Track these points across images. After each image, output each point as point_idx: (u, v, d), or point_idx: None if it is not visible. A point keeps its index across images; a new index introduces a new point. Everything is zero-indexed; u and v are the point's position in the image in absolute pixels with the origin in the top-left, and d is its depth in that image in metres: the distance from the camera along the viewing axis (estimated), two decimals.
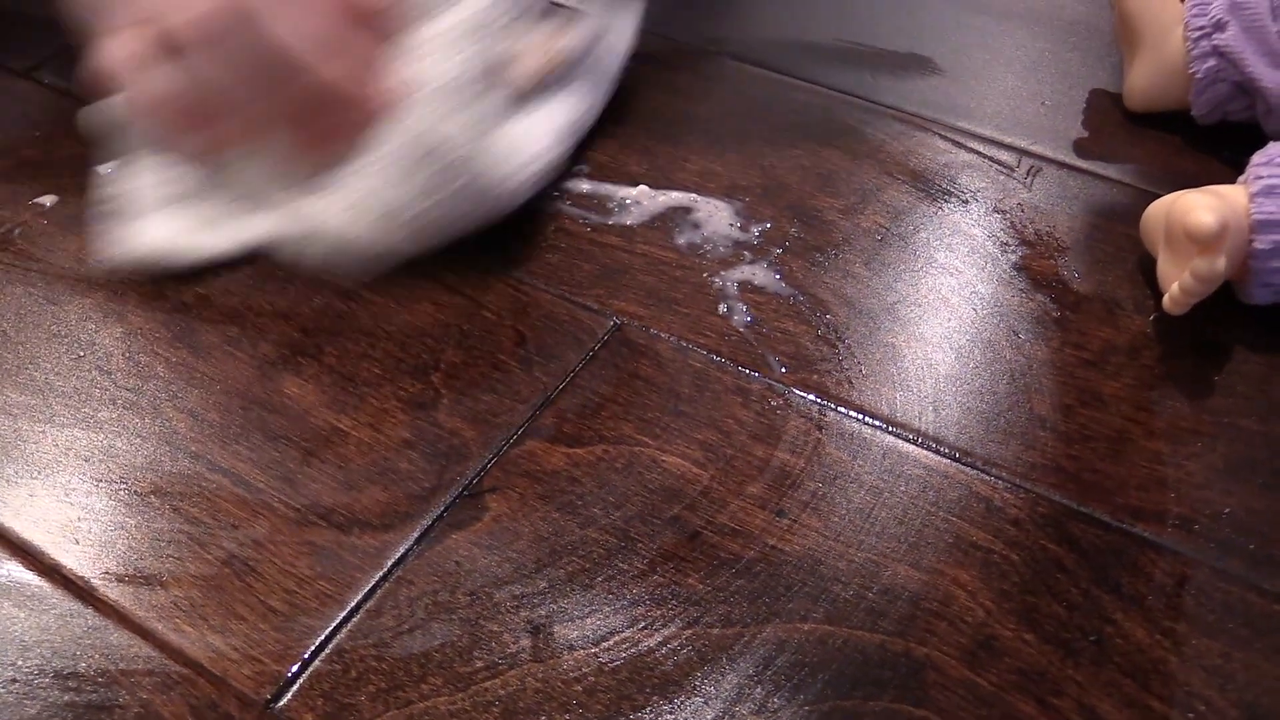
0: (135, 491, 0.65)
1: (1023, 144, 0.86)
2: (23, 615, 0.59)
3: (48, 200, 0.82)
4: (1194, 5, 0.83)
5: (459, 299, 0.75)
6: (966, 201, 0.81)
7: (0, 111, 0.91)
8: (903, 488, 0.64)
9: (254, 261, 0.77)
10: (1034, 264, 0.77)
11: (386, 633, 0.58)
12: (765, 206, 0.81)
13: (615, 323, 0.73)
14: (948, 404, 0.68)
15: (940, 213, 0.81)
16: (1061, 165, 0.85)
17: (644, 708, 0.55)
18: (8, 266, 0.78)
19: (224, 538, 0.62)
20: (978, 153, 0.86)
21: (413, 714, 0.55)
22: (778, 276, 0.76)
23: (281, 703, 0.56)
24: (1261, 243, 0.69)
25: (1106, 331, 0.73)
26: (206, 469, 0.66)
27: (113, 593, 0.60)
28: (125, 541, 0.62)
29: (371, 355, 0.71)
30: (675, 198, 0.82)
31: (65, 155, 0.86)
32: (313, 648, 0.58)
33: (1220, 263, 0.67)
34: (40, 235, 0.80)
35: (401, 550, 0.62)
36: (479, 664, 0.57)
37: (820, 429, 0.67)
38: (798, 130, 0.88)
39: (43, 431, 0.68)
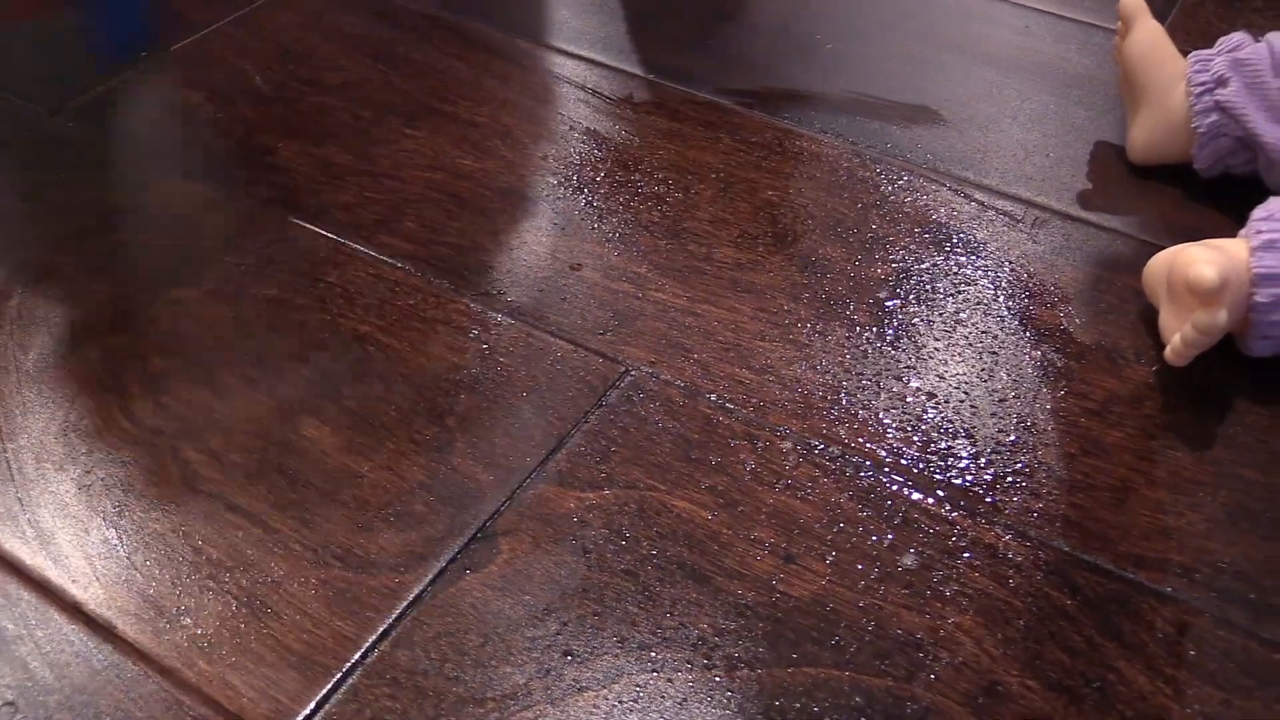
0: (155, 531, 0.66)
1: (1028, 195, 0.88)
2: (44, 652, 0.61)
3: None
4: (1196, 61, 0.85)
5: (473, 344, 0.76)
6: (973, 252, 0.83)
7: (27, 153, 0.93)
8: (909, 534, 0.65)
9: (273, 304, 0.79)
10: (1038, 314, 0.78)
11: (401, 673, 0.59)
12: (775, 254, 0.83)
13: (626, 369, 0.75)
14: (953, 451, 0.70)
15: (947, 263, 0.82)
16: (1066, 217, 0.86)
17: None
18: (32, 308, 0.79)
19: (242, 577, 0.64)
20: (984, 204, 0.87)
21: None
22: (788, 324, 0.78)
23: None
24: (1262, 296, 0.70)
25: (1109, 381, 0.74)
26: (225, 509, 0.67)
27: (132, 630, 0.61)
28: (144, 580, 0.64)
29: (388, 399, 0.73)
30: (689, 247, 0.84)
31: (89, 197, 0.88)
32: (328, 687, 0.59)
33: (1221, 316, 0.68)
34: (65, 276, 0.82)
35: (416, 591, 0.63)
36: (491, 704, 0.58)
37: (827, 475, 0.68)
38: (806, 180, 0.89)
39: (64, 470, 0.69)
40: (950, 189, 0.89)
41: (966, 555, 0.64)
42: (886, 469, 0.69)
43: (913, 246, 0.83)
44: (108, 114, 0.97)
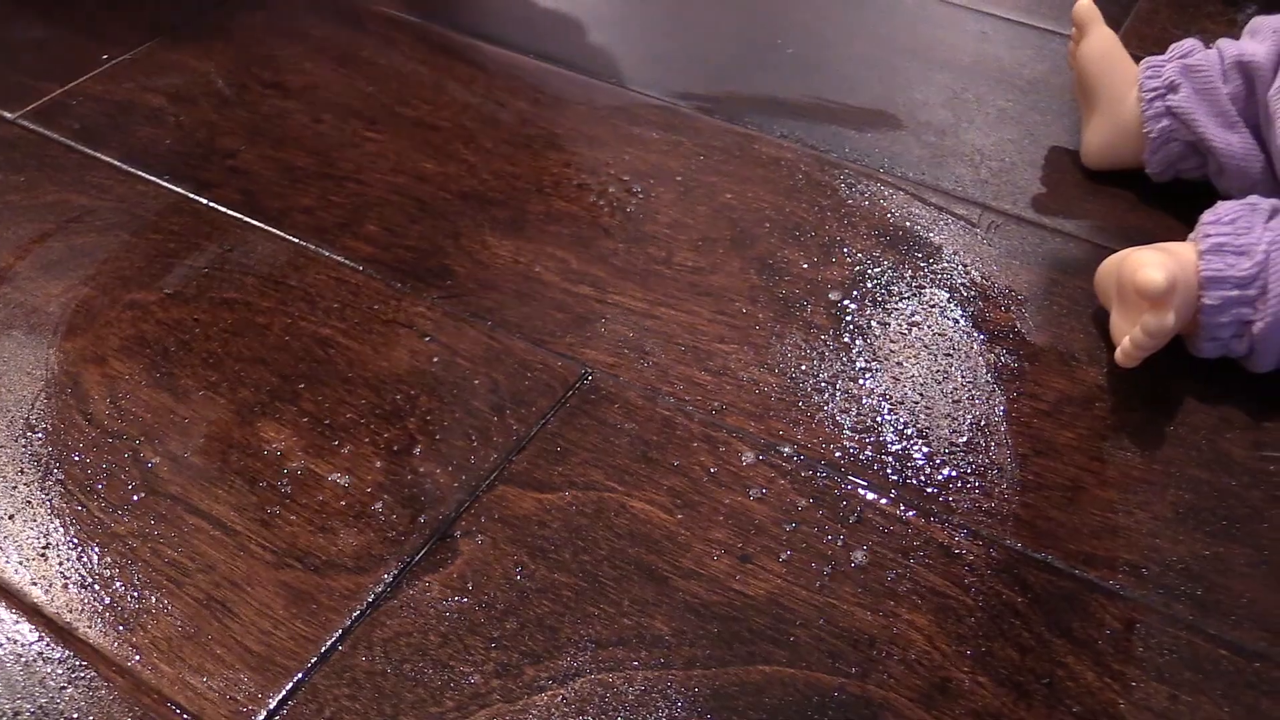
0: (114, 533, 0.66)
1: (983, 199, 0.89)
2: (4, 655, 0.61)
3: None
4: (1148, 67, 0.86)
5: (434, 346, 0.77)
6: (929, 255, 0.84)
7: None
8: (862, 533, 0.66)
9: (233, 307, 0.79)
10: (992, 316, 0.79)
11: (360, 673, 0.60)
12: (733, 257, 0.83)
13: (586, 371, 0.75)
14: (906, 452, 0.71)
15: (903, 266, 0.83)
16: (1020, 220, 0.87)
17: None
18: None
19: (202, 579, 0.64)
20: (940, 208, 0.88)
21: None
22: (746, 327, 0.78)
23: None
24: (1210, 298, 0.71)
25: (1061, 383, 0.75)
26: (185, 511, 0.67)
27: (92, 633, 0.62)
28: (104, 582, 0.64)
29: (348, 401, 0.73)
30: (648, 251, 0.84)
31: (49, 200, 0.88)
32: (288, 688, 0.59)
33: (1169, 318, 0.69)
34: (24, 279, 0.82)
35: (376, 592, 0.63)
36: (450, 704, 0.58)
37: (784, 476, 0.69)
38: (765, 184, 0.90)
39: (21, 472, 0.69)
40: (907, 193, 0.90)
41: (920, 554, 0.65)
42: (842, 469, 0.70)
43: (870, 249, 0.84)
44: (68, 117, 0.97)
